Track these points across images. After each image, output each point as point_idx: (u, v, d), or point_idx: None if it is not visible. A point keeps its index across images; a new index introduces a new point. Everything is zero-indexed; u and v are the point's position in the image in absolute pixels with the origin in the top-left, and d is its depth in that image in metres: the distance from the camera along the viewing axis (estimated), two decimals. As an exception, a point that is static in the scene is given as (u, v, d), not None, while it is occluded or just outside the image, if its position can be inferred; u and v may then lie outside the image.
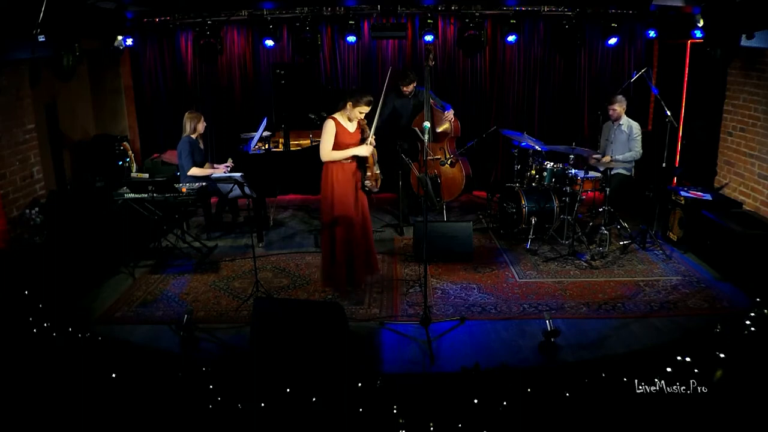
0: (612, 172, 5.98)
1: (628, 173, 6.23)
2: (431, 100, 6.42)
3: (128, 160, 7.01)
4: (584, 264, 5.67)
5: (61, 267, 5.03)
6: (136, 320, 4.74)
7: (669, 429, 3.16)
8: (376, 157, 4.99)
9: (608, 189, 5.75)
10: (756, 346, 3.58)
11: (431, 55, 6.31)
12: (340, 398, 3.22)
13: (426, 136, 4.43)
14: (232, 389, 3.31)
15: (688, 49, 7.00)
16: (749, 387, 3.25)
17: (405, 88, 6.46)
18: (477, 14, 7.20)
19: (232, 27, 7.64)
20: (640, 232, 6.07)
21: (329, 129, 4.73)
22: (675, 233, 6.09)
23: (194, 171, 5.95)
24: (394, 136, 6.56)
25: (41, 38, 4.98)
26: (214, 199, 6.57)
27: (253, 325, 4.04)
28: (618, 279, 5.35)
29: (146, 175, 6.68)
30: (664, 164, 6.02)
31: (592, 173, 6.03)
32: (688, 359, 3.41)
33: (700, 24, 6.12)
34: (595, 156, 5.89)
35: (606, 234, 5.81)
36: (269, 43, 7.34)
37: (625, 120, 6.17)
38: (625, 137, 6.14)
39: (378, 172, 5.00)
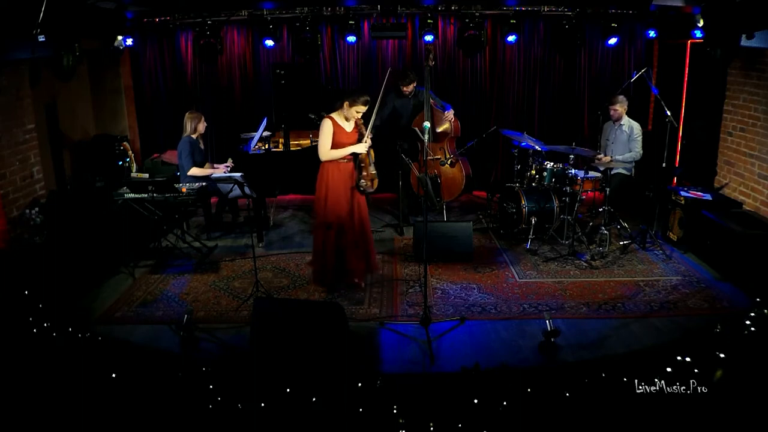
0: (612, 172, 5.98)
1: (628, 173, 6.23)
2: (431, 100, 6.42)
3: (128, 160, 7.01)
4: (584, 264, 5.67)
5: (61, 267, 5.03)
6: (136, 320, 4.74)
7: (669, 429, 3.16)
8: (372, 157, 5.00)
9: (608, 189, 5.75)
10: (756, 346, 3.58)
11: (431, 55, 6.31)
12: (340, 398, 3.22)
13: (426, 136, 4.44)
14: (232, 389, 3.31)
15: (688, 49, 7.00)
16: (749, 387, 3.25)
17: (405, 88, 6.46)
18: (477, 14, 7.20)
19: (232, 27, 7.64)
20: (640, 232, 6.07)
21: (327, 128, 4.79)
22: (675, 233, 6.09)
23: (194, 171, 5.95)
24: (394, 136, 6.57)
25: (41, 38, 4.98)
26: (214, 199, 6.56)
27: (253, 325, 4.04)
28: (618, 279, 5.36)
29: (146, 175, 6.68)
30: (664, 164, 6.02)
31: (592, 173, 6.03)
32: (688, 359, 3.41)
33: (700, 24, 6.12)
34: (597, 156, 5.90)
35: (606, 234, 5.81)
36: (269, 43, 7.34)
37: (626, 120, 6.17)
38: (626, 137, 6.15)
39: (374, 172, 5.01)
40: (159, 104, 7.96)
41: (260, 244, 6.25)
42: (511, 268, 5.64)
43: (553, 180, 6.21)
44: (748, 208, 5.84)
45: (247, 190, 4.86)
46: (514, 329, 4.50)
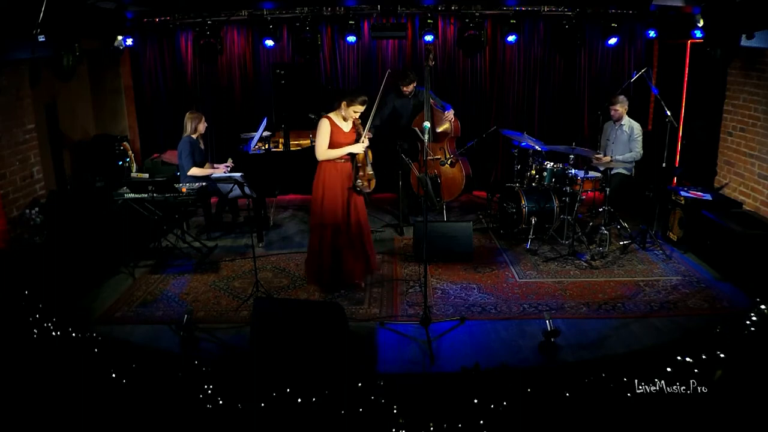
0: (612, 172, 5.98)
1: (628, 173, 6.23)
2: (431, 100, 6.42)
3: (128, 160, 7.01)
4: (584, 264, 5.67)
5: (61, 267, 5.03)
6: (136, 320, 4.74)
7: (669, 429, 3.16)
8: (370, 158, 5.01)
9: (608, 189, 5.75)
10: (756, 346, 3.58)
11: (431, 55, 6.31)
12: (340, 398, 3.22)
13: (426, 136, 4.44)
14: (232, 389, 3.31)
15: (688, 49, 7.00)
16: (749, 387, 3.25)
17: (405, 88, 6.46)
18: (477, 14, 7.20)
19: (232, 27, 7.64)
20: (640, 232, 6.07)
21: (324, 128, 4.81)
22: (675, 233, 6.09)
23: (194, 171, 5.95)
24: (394, 136, 6.57)
25: (41, 38, 4.98)
26: (214, 199, 6.56)
27: (253, 325, 4.04)
28: (618, 279, 5.36)
29: (146, 175, 6.68)
30: (664, 164, 6.02)
31: (592, 173, 6.03)
32: (688, 359, 3.41)
33: (700, 24, 6.12)
34: (596, 155, 5.90)
35: (606, 234, 5.81)
36: (269, 43, 7.34)
37: (626, 120, 6.17)
38: (626, 137, 6.15)
39: (371, 172, 5.01)
40: (159, 104, 7.96)
41: (260, 244, 6.25)
42: (511, 268, 5.64)
43: (553, 180, 6.21)
44: (748, 208, 5.84)
45: (247, 190, 4.86)
46: (514, 329, 4.50)
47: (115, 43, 7.07)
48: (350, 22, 7.13)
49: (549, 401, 3.19)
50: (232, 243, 6.38)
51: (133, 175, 6.75)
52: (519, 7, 7.14)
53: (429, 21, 7.13)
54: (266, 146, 6.57)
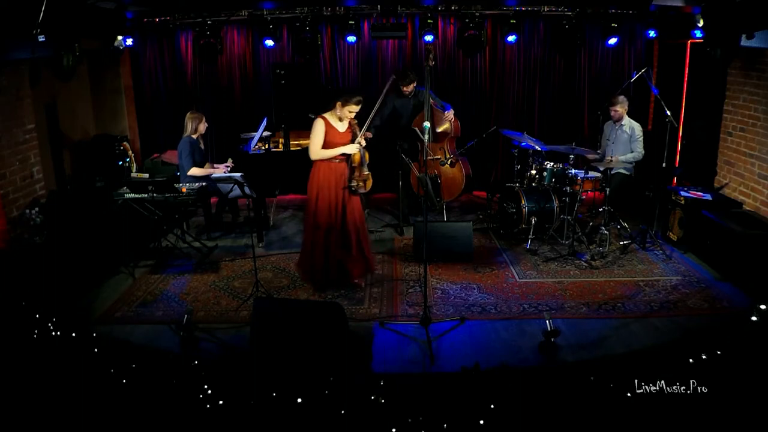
0: (612, 172, 5.98)
1: (628, 173, 6.23)
2: (431, 100, 6.42)
3: (128, 160, 7.01)
4: (584, 264, 5.67)
5: (61, 267, 5.03)
6: (136, 320, 4.74)
7: (669, 429, 3.16)
8: (366, 158, 5.01)
9: (608, 189, 5.75)
10: (756, 346, 3.58)
11: (431, 55, 6.30)
12: (340, 398, 3.22)
13: (426, 136, 4.44)
14: (232, 389, 3.31)
15: (688, 49, 7.00)
16: (749, 387, 3.25)
17: (405, 88, 6.46)
18: (477, 14, 7.20)
19: (232, 27, 7.64)
20: (640, 232, 6.07)
21: (319, 128, 4.83)
22: (675, 233, 6.09)
23: (194, 171, 5.95)
24: (394, 136, 6.57)
25: (41, 38, 4.98)
26: (214, 199, 6.56)
27: (253, 325, 4.04)
28: (618, 279, 5.35)
29: (146, 175, 6.67)
30: (664, 164, 6.02)
31: (592, 173, 6.03)
32: (688, 359, 3.41)
33: (700, 24, 6.12)
34: (594, 155, 5.91)
35: (606, 234, 5.81)
36: (269, 43, 7.34)
37: (627, 121, 6.17)
38: (627, 138, 6.15)
39: (367, 173, 5.02)
40: (159, 104, 7.95)
41: (260, 244, 6.25)
42: (511, 268, 5.64)
43: (553, 180, 6.21)
44: (748, 208, 5.84)
45: (247, 190, 4.86)
46: (514, 329, 4.50)
47: (115, 43, 7.07)
48: (350, 22, 7.13)
49: (549, 401, 3.18)
50: (232, 243, 6.38)
51: (133, 175, 6.75)
52: (519, 7, 7.14)
53: (429, 21, 7.13)
54: (266, 146, 6.57)
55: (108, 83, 7.59)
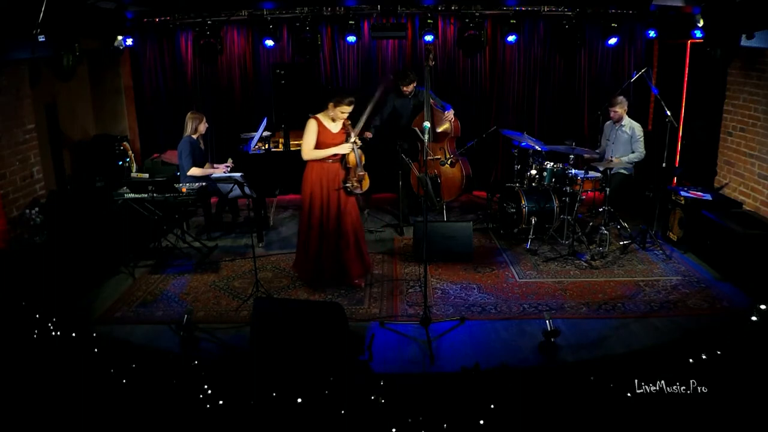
0: (612, 172, 5.98)
1: (628, 173, 6.23)
2: (431, 100, 6.42)
3: (128, 160, 7.01)
4: (584, 264, 5.67)
5: (61, 267, 5.03)
6: (136, 320, 4.74)
7: (669, 429, 3.16)
8: (362, 159, 5.02)
9: (608, 189, 5.75)
10: (756, 346, 3.58)
11: (431, 55, 6.31)
12: (340, 398, 3.22)
13: (426, 136, 4.44)
14: (232, 389, 3.31)
15: (688, 49, 7.00)
16: (749, 387, 3.25)
17: (405, 88, 6.46)
18: (477, 14, 7.20)
19: (232, 27, 7.64)
20: (640, 232, 6.07)
21: (311, 128, 4.87)
22: (675, 233, 6.09)
23: (194, 171, 5.95)
24: (394, 136, 6.57)
25: (41, 38, 4.98)
26: (214, 199, 6.56)
27: (253, 325, 4.04)
28: (618, 279, 5.35)
29: (146, 175, 6.67)
30: (664, 164, 6.02)
31: (592, 173, 6.03)
32: (688, 359, 3.41)
33: (700, 24, 6.12)
34: (592, 155, 5.91)
35: (606, 234, 5.80)
36: (269, 43, 7.34)
37: (627, 121, 6.17)
38: (627, 138, 6.15)
39: (362, 173, 5.02)
40: (159, 104, 7.95)
41: (260, 244, 6.25)
42: (511, 268, 5.64)
43: (553, 180, 6.21)
44: (748, 208, 5.84)
45: (247, 190, 4.87)
46: (514, 329, 4.50)
47: (115, 43, 7.07)
48: (350, 22, 7.13)
49: (549, 401, 3.18)
50: (232, 243, 6.38)
51: (133, 175, 6.75)
52: (519, 7, 7.14)
53: (429, 21, 7.13)
54: (266, 146, 6.57)
55: (108, 83, 7.59)
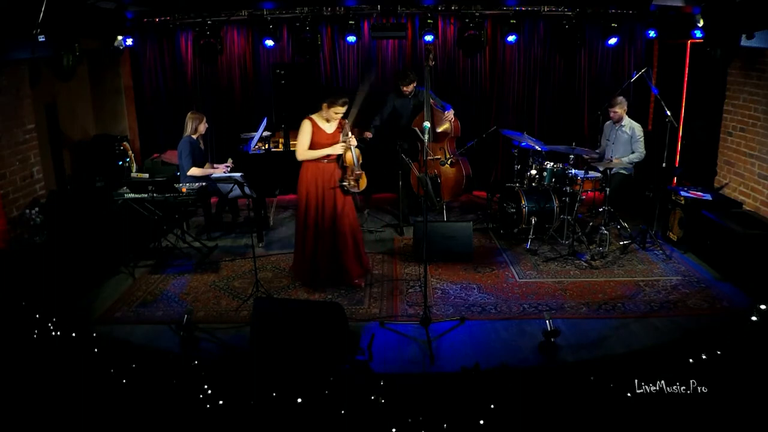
0: (612, 172, 5.98)
1: (628, 173, 6.23)
2: (431, 100, 6.42)
3: (128, 160, 7.01)
4: (584, 264, 5.67)
5: (61, 267, 5.03)
6: (136, 320, 4.74)
7: (669, 429, 3.16)
8: (359, 158, 5.02)
9: (608, 189, 5.75)
10: (756, 346, 3.58)
11: (431, 55, 6.31)
12: (340, 398, 3.22)
13: (426, 136, 4.44)
14: (232, 389, 3.31)
15: (688, 49, 7.00)
16: (749, 387, 3.25)
17: (405, 88, 6.46)
18: (477, 14, 7.20)
19: (232, 27, 7.64)
20: (640, 232, 6.07)
21: (305, 129, 4.89)
22: (675, 233, 6.09)
23: (194, 171, 5.95)
24: (394, 136, 6.57)
25: (41, 38, 4.98)
26: (214, 199, 6.56)
27: (253, 325, 4.04)
28: (618, 279, 5.35)
29: (146, 175, 6.68)
30: (664, 164, 6.02)
31: (592, 173, 6.03)
32: (688, 359, 3.41)
33: (700, 24, 6.12)
34: (592, 155, 5.91)
35: (606, 234, 5.81)
36: (269, 43, 7.34)
37: (627, 121, 6.17)
38: (627, 138, 6.15)
39: (359, 172, 5.03)
40: (159, 104, 7.95)
41: (260, 244, 6.25)
42: (511, 268, 5.64)
43: (553, 180, 6.21)
44: (748, 208, 5.84)
45: (247, 190, 4.87)
46: (514, 329, 4.50)
47: (115, 43, 7.07)
48: (350, 22, 7.13)
49: (549, 401, 3.18)
50: (232, 243, 6.38)
51: (133, 175, 6.75)
52: (519, 7, 7.14)
53: (429, 21, 7.13)
54: (266, 146, 6.57)
55: (108, 83, 7.59)
